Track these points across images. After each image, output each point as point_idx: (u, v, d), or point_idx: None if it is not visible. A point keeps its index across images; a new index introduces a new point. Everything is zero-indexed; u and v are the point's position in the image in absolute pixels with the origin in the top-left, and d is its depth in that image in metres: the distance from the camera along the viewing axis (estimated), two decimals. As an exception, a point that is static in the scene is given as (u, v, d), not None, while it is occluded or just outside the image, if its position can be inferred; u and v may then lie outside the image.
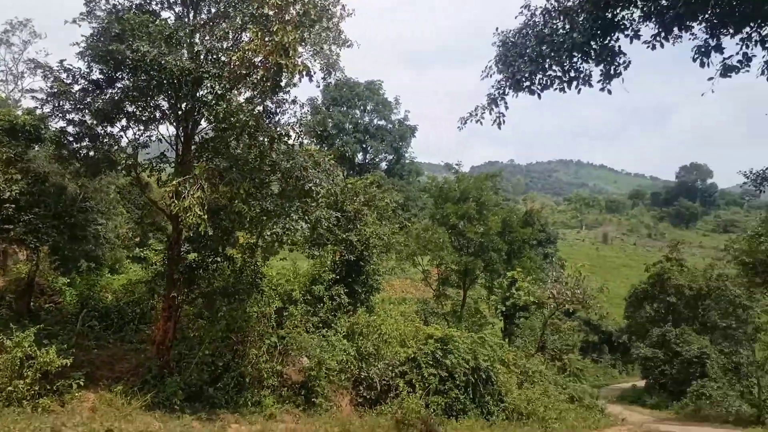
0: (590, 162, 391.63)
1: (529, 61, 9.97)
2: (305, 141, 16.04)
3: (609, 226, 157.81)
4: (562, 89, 10.08)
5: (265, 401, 16.01)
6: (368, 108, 67.18)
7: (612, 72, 9.82)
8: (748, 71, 8.59)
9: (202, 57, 14.21)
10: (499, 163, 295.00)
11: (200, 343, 16.70)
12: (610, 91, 9.97)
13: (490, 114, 10.70)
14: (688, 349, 44.40)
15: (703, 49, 8.96)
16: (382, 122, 67.71)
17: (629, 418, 32.43)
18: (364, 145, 65.80)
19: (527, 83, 10.13)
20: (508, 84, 10.25)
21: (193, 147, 15.27)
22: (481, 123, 10.68)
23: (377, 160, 68.65)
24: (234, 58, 13.62)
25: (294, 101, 15.54)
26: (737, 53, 8.62)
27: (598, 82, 10.04)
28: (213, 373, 16.20)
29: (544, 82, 10.13)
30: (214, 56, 14.35)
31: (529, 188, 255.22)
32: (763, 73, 8.79)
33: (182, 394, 14.70)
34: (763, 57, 8.50)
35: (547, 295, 33.64)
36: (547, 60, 9.92)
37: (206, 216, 12.81)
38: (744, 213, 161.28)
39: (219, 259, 16.80)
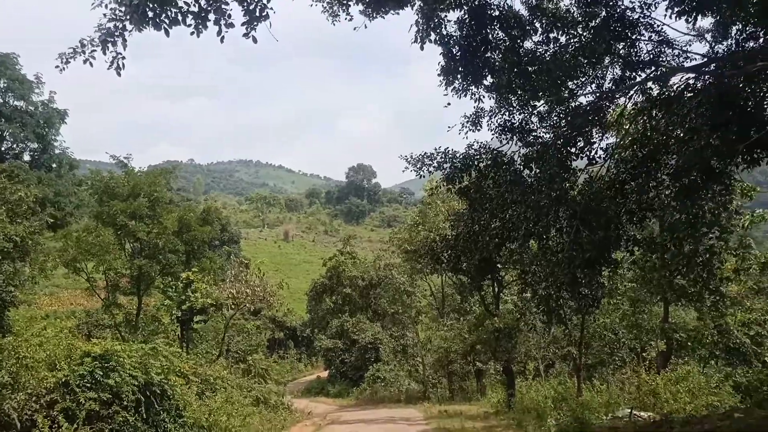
0: (269, 162, 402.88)
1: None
2: None
3: (290, 225, 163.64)
4: (197, 28, 8.42)
5: None
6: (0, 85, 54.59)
7: (256, 13, 8.60)
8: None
9: None
10: (179, 163, 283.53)
11: None
12: (255, 39, 8.77)
13: (105, 53, 8.48)
14: (363, 336, 47.54)
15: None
16: (21, 103, 56.02)
17: (315, 410, 32.90)
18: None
19: (152, 15, 8.12)
20: (127, 15, 8.07)
21: None
22: (90, 64, 8.38)
23: (17, 148, 56.67)
24: None
25: None
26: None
27: (243, 24, 8.75)
28: None
29: (173, 16, 8.31)
30: None
31: (211, 188, 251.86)
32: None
33: None
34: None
35: (226, 295, 32.22)
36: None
37: None
38: (402, 209, 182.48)
39: None
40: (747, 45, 11.20)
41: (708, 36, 11.90)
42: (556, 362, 33.93)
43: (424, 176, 13.94)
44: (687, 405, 18.64)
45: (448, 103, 13.34)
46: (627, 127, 13.64)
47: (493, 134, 13.89)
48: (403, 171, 14.19)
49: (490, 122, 13.91)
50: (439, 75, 13.17)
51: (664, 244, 15.24)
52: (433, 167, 13.85)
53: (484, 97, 13.89)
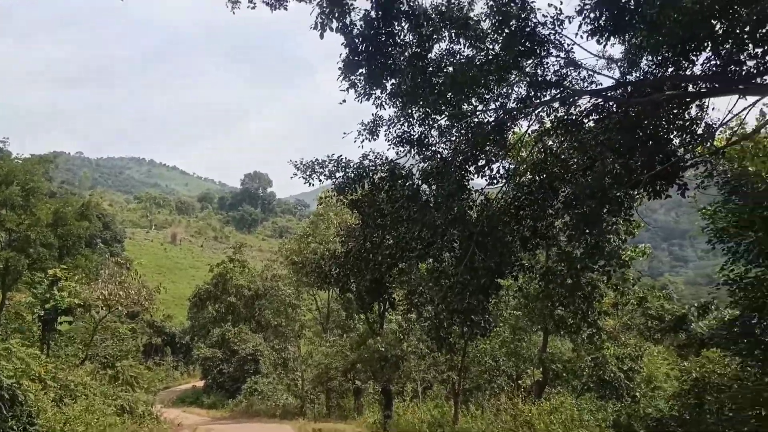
0: (163, 162, 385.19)
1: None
2: None
3: (178, 228, 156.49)
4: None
5: None
6: None
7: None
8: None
9: None
10: (66, 154, 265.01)
11: None
12: None
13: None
14: (244, 347, 45.18)
15: None
16: None
17: (185, 421, 30.56)
18: None
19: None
20: None
21: None
22: None
23: None
24: None
25: None
26: None
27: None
28: None
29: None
30: None
31: (98, 183, 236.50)
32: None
33: None
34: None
35: (97, 295, 29.10)
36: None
37: None
38: (296, 221, 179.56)
39: None
40: (656, 72, 10.71)
41: (618, 62, 11.33)
42: (434, 384, 33.25)
43: (312, 184, 12.50)
44: (560, 437, 18.27)
45: (344, 100, 12.13)
46: (528, 150, 12.85)
47: (390, 145, 12.70)
48: (291, 177, 12.72)
49: (388, 132, 12.72)
50: (339, 69, 11.82)
51: (552, 273, 14.64)
52: (324, 176, 12.45)
53: (386, 103, 12.67)
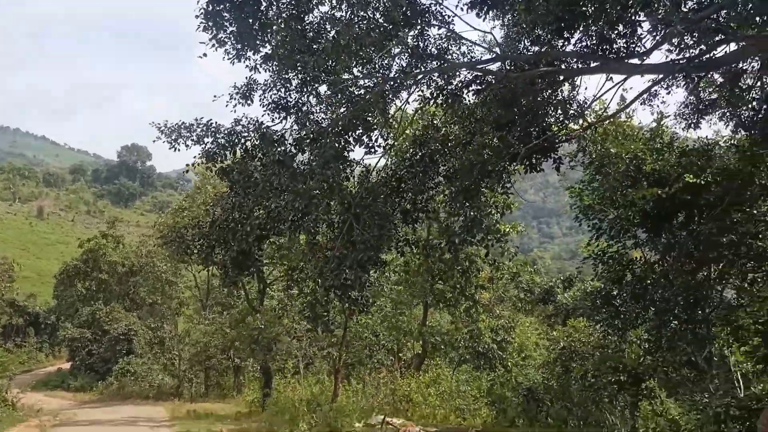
0: (31, 132, 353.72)
1: None
2: None
3: (46, 201, 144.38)
4: None
5: None
6: None
7: None
8: None
9: None
10: None
11: None
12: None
13: None
14: (116, 326, 42.35)
15: None
16: None
17: (48, 406, 27.95)
18: None
19: None
20: None
21: None
22: None
23: None
24: None
25: None
26: None
27: None
28: None
29: None
30: None
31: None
32: None
33: None
34: None
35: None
36: None
37: None
38: (178, 195, 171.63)
39: None
40: (532, 49, 10.63)
41: (498, 36, 11.16)
42: (316, 360, 32.85)
43: (178, 149, 11.28)
44: (437, 409, 18.47)
45: (204, 54, 11.12)
46: (408, 123, 12.46)
47: (265, 110, 11.80)
48: (154, 141, 11.41)
49: (263, 97, 11.80)
50: (199, 17, 10.60)
51: (432, 247, 14.53)
52: (192, 140, 11.30)
53: (261, 67, 11.75)
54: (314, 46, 11.32)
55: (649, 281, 13.88)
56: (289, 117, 11.62)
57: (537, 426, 13.08)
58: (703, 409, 12.13)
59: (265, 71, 12.00)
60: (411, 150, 12.93)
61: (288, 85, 11.79)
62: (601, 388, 16.71)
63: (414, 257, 16.85)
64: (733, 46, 9.59)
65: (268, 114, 11.69)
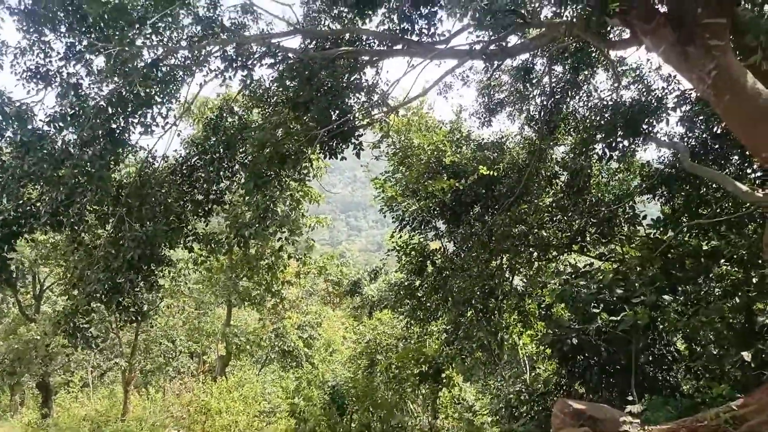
0: None
1: None
2: None
3: None
4: None
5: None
6: None
7: None
8: None
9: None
10: None
11: None
12: None
13: None
14: None
15: None
16: None
17: None
18: None
19: None
20: None
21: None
22: None
23: None
24: None
25: None
26: None
27: None
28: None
29: None
30: None
31: None
32: None
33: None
34: None
35: None
36: None
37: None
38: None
39: None
40: (333, 27, 9.71)
41: (299, 14, 10.02)
42: (109, 370, 29.32)
43: None
44: (240, 415, 16.99)
45: None
46: (201, 104, 10.89)
47: (19, 80, 9.46)
48: None
49: (15, 63, 9.44)
50: None
51: (218, 242, 13.07)
52: None
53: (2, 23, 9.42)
54: (84, 6, 9.30)
55: (447, 272, 13.87)
56: (50, 87, 9.42)
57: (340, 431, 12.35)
58: (497, 394, 12.30)
59: (21, 31, 9.67)
60: (204, 135, 11.43)
61: (49, 50, 9.58)
62: (404, 379, 16.58)
63: (200, 253, 15.06)
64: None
65: (24, 83, 9.38)
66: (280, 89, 9.14)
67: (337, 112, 8.63)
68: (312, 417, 11.34)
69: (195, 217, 11.44)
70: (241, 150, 10.82)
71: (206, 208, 11.28)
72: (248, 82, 9.23)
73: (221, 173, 10.91)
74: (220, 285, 22.61)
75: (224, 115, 11.26)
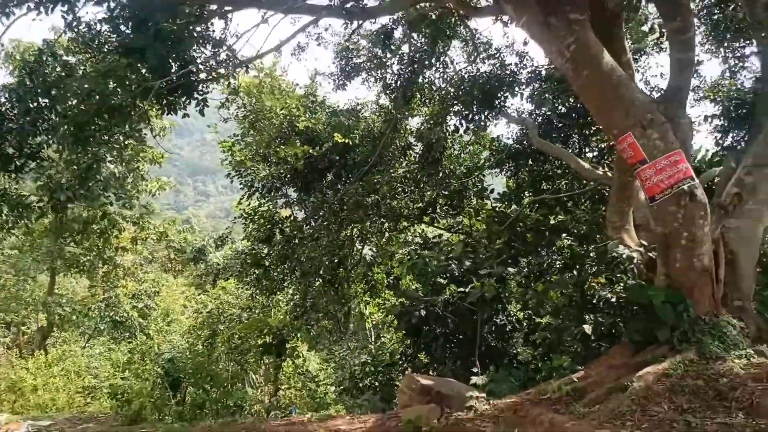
0: None
1: None
2: None
3: None
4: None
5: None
6: None
7: None
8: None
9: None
10: None
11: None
12: None
13: None
14: None
15: None
16: None
17: None
18: None
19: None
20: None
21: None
22: None
23: None
24: None
25: None
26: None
27: None
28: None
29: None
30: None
31: None
32: None
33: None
34: None
35: None
36: None
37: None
38: None
39: None
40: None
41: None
42: None
43: None
44: (60, 391, 15.14)
45: None
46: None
47: None
48: None
49: None
50: None
51: (27, 206, 11.33)
52: None
53: None
54: None
55: (296, 241, 13.31)
56: None
57: (169, 413, 11.28)
58: (342, 365, 12.05)
59: None
60: (19, 80, 9.67)
61: None
62: (247, 350, 15.83)
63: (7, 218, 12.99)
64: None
65: None
66: (112, 32, 7.81)
67: (178, 63, 7.54)
68: (137, 397, 10.18)
69: (4, 174, 9.75)
70: (64, 100, 9.25)
71: (17, 163, 9.61)
72: (70, 19, 7.74)
73: (38, 125, 9.32)
74: (43, 250, 20.10)
75: (45, 58, 9.58)
